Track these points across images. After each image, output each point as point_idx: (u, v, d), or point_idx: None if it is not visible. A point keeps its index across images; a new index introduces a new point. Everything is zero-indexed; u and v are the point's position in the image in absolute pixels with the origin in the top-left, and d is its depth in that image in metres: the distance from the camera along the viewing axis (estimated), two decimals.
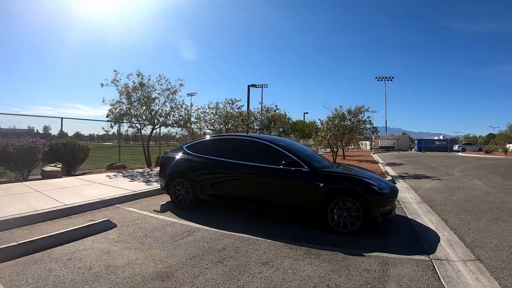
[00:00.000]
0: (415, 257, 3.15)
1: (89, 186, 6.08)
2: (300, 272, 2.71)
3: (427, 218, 4.81)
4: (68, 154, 8.53)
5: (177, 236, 3.63)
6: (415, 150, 40.08)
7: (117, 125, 10.97)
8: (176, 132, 15.48)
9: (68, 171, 8.56)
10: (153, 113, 11.11)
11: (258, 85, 50.51)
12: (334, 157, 12.63)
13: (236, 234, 3.72)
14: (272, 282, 2.52)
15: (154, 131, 12.17)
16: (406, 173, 11.60)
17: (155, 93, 11.13)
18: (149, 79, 10.97)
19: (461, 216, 4.93)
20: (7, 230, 3.45)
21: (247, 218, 4.44)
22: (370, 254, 3.19)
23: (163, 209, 4.84)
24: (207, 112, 14.63)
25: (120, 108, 10.67)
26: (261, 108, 15.84)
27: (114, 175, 8.15)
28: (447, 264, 3.00)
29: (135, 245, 3.28)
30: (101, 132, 12.64)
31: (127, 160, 13.41)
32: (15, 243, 2.92)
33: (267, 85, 52.41)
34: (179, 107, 11.70)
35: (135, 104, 10.77)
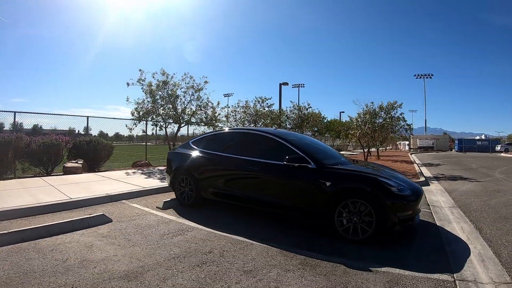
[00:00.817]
0: (435, 276, 2.62)
1: (103, 182, 6.33)
2: (283, 287, 2.36)
3: (458, 226, 4.20)
4: (91, 151, 9.09)
5: (168, 234, 3.52)
6: (456, 151, 37.38)
7: (142, 123, 11.48)
8: (203, 131, 15.87)
9: (92, 168, 9.12)
10: (178, 111, 11.43)
11: (294, 85, 50.10)
12: (366, 157, 11.84)
13: (230, 236, 3.50)
14: None
15: (181, 129, 12.54)
16: (442, 174, 10.64)
17: (180, 91, 11.44)
18: (171, 77, 11.28)
19: (498, 225, 4.22)
20: (8, 220, 3.64)
21: (249, 219, 4.20)
22: (379, 269, 2.72)
23: (166, 206, 4.81)
24: (237, 111, 14.77)
25: (146, 107, 11.13)
26: (293, 106, 15.64)
27: (133, 172, 8.46)
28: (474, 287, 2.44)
29: (121, 241, 3.23)
30: (139, 132, 13.32)
31: (154, 158, 13.98)
32: (5, 232, 3.03)
33: (303, 84, 51.81)
34: (205, 105, 11.88)
35: (159, 102, 11.16)
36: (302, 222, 3.90)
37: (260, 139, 4.52)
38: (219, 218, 4.25)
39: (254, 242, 3.31)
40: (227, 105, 13.96)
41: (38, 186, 5.43)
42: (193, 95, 11.55)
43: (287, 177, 3.87)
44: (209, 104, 11.93)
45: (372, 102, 12.12)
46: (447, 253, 3.14)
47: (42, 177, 6.42)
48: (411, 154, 26.97)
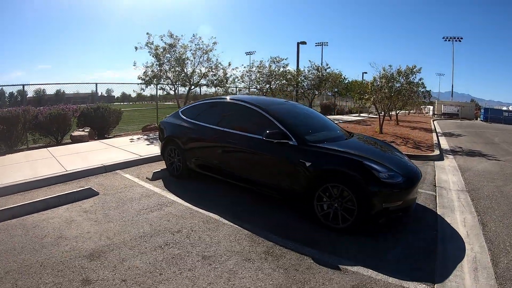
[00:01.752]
0: (411, 285, 2.37)
1: (104, 151, 6.70)
2: (235, 280, 2.36)
3: (461, 217, 3.85)
4: (99, 118, 9.49)
5: (145, 209, 3.75)
6: (481, 120, 34.61)
7: (150, 87, 11.66)
8: (215, 92, 15.84)
9: (102, 134, 9.63)
10: (188, 73, 11.41)
11: (317, 43, 47.89)
12: (381, 123, 11.30)
13: (206, 213, 3.65)
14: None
15: (193, 91, 12.66)
16: (461, 148, 9.82)
17: (189, 52, 11.32)
18: (178, 40, 11.07)
19: (507, 221, 3.74)
20: (6, 196, 4.05)
21: (237, 195, 4.26)
22: (350, 268, 2.56)
23: (155, 177, 5.05)
24: (252, 71, 14.53)
25: (153, 71, 11.19)
26: (311, 66, 15.04)
27: (138, 138, 8.82)
28: None
29: (99, 217, 3.51)
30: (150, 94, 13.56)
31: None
32: None
33: (326, 43, 49.14)
34: (215, 66, 11.78)
35: (166, 65, 11.14)
36: (287, 203, 3.90)
37: (240, 109, 4.38)
38: (205, 192, 4.40)
39: (228, 222, 3.41)
40: (249, 63, 13.60)
41: (41, 158, 5.88)
42: (202, 56, 11.42)
43: (266, 154, 3.77)
44: (219, 65, 11.83)
45: (390, 65, 11.16)
46: (437, 255, 2.86)
47: (48, 148, 6.93)
48: (433, 120, 25.31)
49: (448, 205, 4.30)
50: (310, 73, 15.17)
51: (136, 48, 10.93)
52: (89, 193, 4.16)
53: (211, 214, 3.61)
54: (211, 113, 4.78)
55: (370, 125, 13.52)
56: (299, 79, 14.94)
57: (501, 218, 3.82)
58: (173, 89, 11.98)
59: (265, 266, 2.57)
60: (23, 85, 8.42)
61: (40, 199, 3.79)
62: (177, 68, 11.30)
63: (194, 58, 11.41)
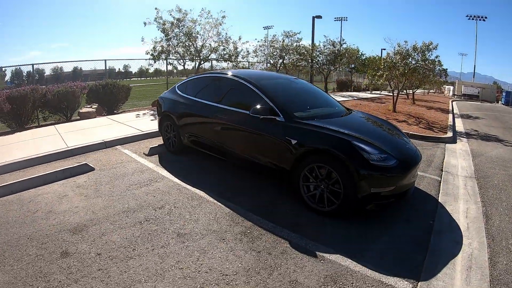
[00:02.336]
0: (391, 280, 2.20)
1: (108, 127, 6.90)
2: (203, 260, 2.37)
3: (464, 207, 3.57)
4: (107, 94, 9.69)
5: (135, 185, 3.86)
6: (502, 103, 31.96)
7: (159, 62, 11.74)
8: (227, 67, 15.69)
9: (111, 110, 9.90)
10: (198, 47, 11.37)
11: (336, 18, 46.15)
12: (394, 101, 10.70)
13: (193, 190, 3.70)
14: (156, 266, 2.30)
15: (203, 65, 12.68)
16: (476, 131, 9.11)
17: (199, 27, 11.26)
18: (187, 14, 10.93)
19: None
20: (8, 173, 4.33)
21: (227, 173, 4.26)
22: (328, 256, 2.45)
23: (151, 152, 5.16)
24: (265, 45, 14.35)
25: (161, 46, 11.22)
26: (326, 41, 14.61)
27: (144, 114, 8.98)
28: None
29: (89, 192, 3.68)
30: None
31: None
32: None
33: (346, 18, 46.86)
34: (224, 41, 11.71)
35: (174, 40, 11.09)
36: (277, 183, 3.83)
37: (231, 83, 4.25)
38: (197, 168, 4.45)
39: (212, 200, 3.43)
40: (239, 37, 13.23)
41: (47, 135, 6.17)
42: (211, 30, 11.33)
43: (254, 130, 3.66)
44: (229, 39, 11.74)
45: (405, 41, 10.35)
46: (428, 248, 2.64)
47: (56, 125, 7.25)
48: (452, 101, 23.82)
49: (452, 192, 4.02)
50: (325, 48, 14.82)
51: (145, 23, 10.97)
52: (85, 169, 4.34)
53: (197, 191, 3.65)
54: (203, 88, 4.70)
55: (384, 103, 12.90)
56: (314, 54, 14.59)
57: (508, 211, 3.46)
58: (182, 64, 12.01)
59: (238, 247, 2.56)
60: (32, 65, 8.68)
61: (38, 175, 4.01)
62: (186, 43, 11.26)
63: (204, 32, 11.33)
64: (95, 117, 8.37)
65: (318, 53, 15.07)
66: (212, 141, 4.30)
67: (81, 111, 8.48)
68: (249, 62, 14.28)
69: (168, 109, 5.10)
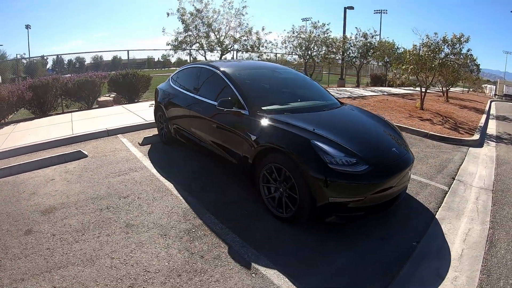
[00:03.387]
0: None
1: (119, 116, 7.48)
2: (135, 253, 2.52)
3: (465, 227, 3.13)
4: (127, 84, 10.41)
5: (115, 173, 4.22)
6: None
7: (180, 53, 12.31)
8: (249, 57, 15.85)
9: (132, 99, 10.63)
10: (220, 38, 11.74)
11: (376, 10, 45.88)
12: (422, 97, 9.92)
13: (164, 182, 3.92)
14: (93, 252, 2.54)
15: (225, 56, 13.05)
16: (509, 135, 8.04)
17: (221, 17, 11.59)
18: (207, 4, 11.26)
19: None
20: (15, 156, 4.99)
21: (203, 166, 4.39)
22: (263, 270, 2.32)
23: (144, 142, 5.54)
24: (295, 37, 14.34)
25: (182, 36, 11.75)
26: (358, 33, 14.24)
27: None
28: None
29: (73, 178, 4.12)
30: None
31: None
32: None
33: (386, 10, 45.74)
34: (248, 31, 11.97)
35: (193, 31, 11.53)
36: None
37: (207, 74, 4.34)
38: (178, 160, 4.69)
39: (176, 193, 3.60)
40: (262, 27, 13.26)
41: (61, 122, 6.90)
42: (232, 21, 11.61)
43: (222, 123, 3.70)
44: (251, 30, 11.97)
45: (435, 33, 9.59)
46: (396, 279, 2.28)
47: (73, 113, 8.05)
48: (492, 101, 21.24)
49: (457, 207, 3.58)
50: (357, 40, 14.39)
51: (168, 14, 11.49)
52: (78, 156, 4.84)
53: (167, 183, 3.88)
54: (188, 79, 4.88)
55: (414, 100, 12.02)
56: (345, 46, 14.22)
57: None
58: (203, 54, 12.40)
59: (175, 245, 2.63)
60: (57, 55, 9.63)
61: (35, 159, 4.58)
62: (205, 34, 11.63)
63: (227, 24, 11.61)
64: (112, 106, 9.08)
65: (349, 45, 14.66)
66: (189, 133, 4.49)
67: (99, 99, 9.26)
68: (276, 54, 14.35)
69: (160, 100, 5.41)
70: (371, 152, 2.90)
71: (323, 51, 13.98)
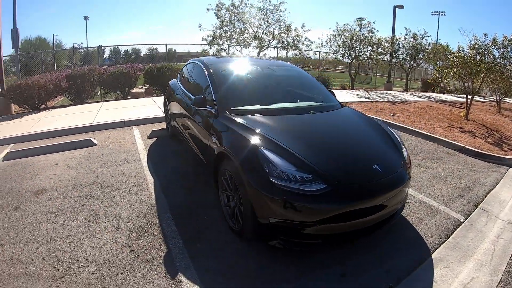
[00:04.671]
0: None
1: (143, 107, 8.16)
2: (85, 240, 2.79)
3: (467, 276, 2.58)
4: (161, 77, 11.22)
5: (110, 163, 4.66)
6: None
7: (216, 48, 12.89)
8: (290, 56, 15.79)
9: (164, 92, 11.45)
10: (258, 34, 12.07)
11: (434, 12, 43.58)
12: (468, 106, 8.78)
13: (147, 175, 4.19)
14: (52, 234, 2.90)
15: (264, 53, 13.38)
16: None
17: (259, 13, 11.91)
18: (242, 0, 11.60)
19: None
20: (38, 140, 5.81)
21: (194, 165, 4.51)
22: (186, 283, 2.32)
23: (152, 135, 5.99)
24: (339, 35, 14.10)
25: (217, 32, 12.32)
26: (407, 34, 13.63)
27: None
28: None
29: (74, 164, 4.67)
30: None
31: None
32: (16, 150, 5.06)
33: (444, 12, 43.06)
34: (286, 28, 12.09)
35: (227, 26, 12.00)
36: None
37: (198, 70, 4.42)
38: (173, 155, 4.94)
39: (151, 190, 3.79)
40: (302, 24, 13.11)
41: (89, 111, 7.78)
42: (268, 17, 11.77)
43: (198, 122, 3.81)
44: (291, 26, 12.03)
45: (485, 34, 8.40)
46: None
47: (104, 102, 9.00)
48: None
49: (467, 246, 2.97)
50: (406, 41, 13.50)
51: (207, 9, 12.11)
52: (87, 144, 5.44)
53: (149, 178, 4.14)
54: (185, 75, 5.08)
55: (460, 109, 10.69)
56: (393, 47, 13.44)
57: None
58: (240, 50, 12.80)
59: (121, 240, 2.81)
60: (100, 46, 10.83)
61: (48, 144, 5.29)
62: (249, 30, 12.00)
63: (265, 20, 11.79)
64: (143, 97, 9.91)
65: (397, 46, 13.87)
66: (179, 129, 4.77)
67: (132, 91, 10.17)
68: (319, 52, 14.16)
69: (166, 94, 5.85)
70: (339, 168, 2.55)
71: (368, 51, 13.48)
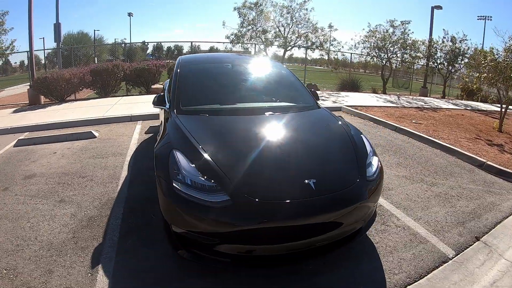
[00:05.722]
0: None
1: None
2: (44, 223, 3.24)
3: None
4: None
5: (98, 155, 5.22)
6: None
7: (234, 46, 13.32)
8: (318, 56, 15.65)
9: None
10: (284, 34, 12.29)
11: (480, 16, 41.03)
12: (502, 116, 7.95)
13: (124, 171, 4.60)
14: (16, 213, 3.48)
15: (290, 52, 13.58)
16: None
17: (283, 11, 12.10)
18: None
19: None
20: (51, 129, 6.64)
21: None
22: (100, 275, 2.54)
23: (149, 130, 6.52)
24: (370, 36, 13.87)
25: (239, 30, 12.74)
26: (444, 36, 12.85)
27: None
28: None
29: (69, 154, 5.32)
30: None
31: None
32: (26, 138, 5.89)
33: (491, 17, 40.92)
34: (311, 27, 12.15)
35: (246, 25, 12.35)
36: None
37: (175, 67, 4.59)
38: None
39: (120, 183, 4.16)
40: (329, 24, 12.89)
41: (105, 104, 8.61)
42: (292, 16, 11.87)
43: (162, 120, 4.13)
44: (317, 25, 12.03)
45: None
46: None
47: (124, 96, 9.86)
48: None
49: None
50: (443, 44, 12.73)
51: (234, 8, 12.58)
52: (88, 136, 6.11)
53: (124, 173, 4.53)
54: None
55: (497, 119, 9.69)
56: (430, 50, 12.81)
57: None
58: (263, 49, 13.06)
59: (70, 226, 3.20)
60: (143, 42, 11.83)
61: (55, 134, 6.05)
62: (261, 28, 12.21)
63: (290, 18, 11.89)
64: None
65: (435, 49, 13.16)
66: (159, 126, 5.14)
67: (153, 86, 10.96)
68: (351, 54, 13.91)
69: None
70: (254, 180, 2.38)
71: (401, 53, 13.02)
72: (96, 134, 6.24)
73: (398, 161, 5.31)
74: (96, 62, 16.99)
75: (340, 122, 3.44)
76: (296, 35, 12.28)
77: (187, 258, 2.38)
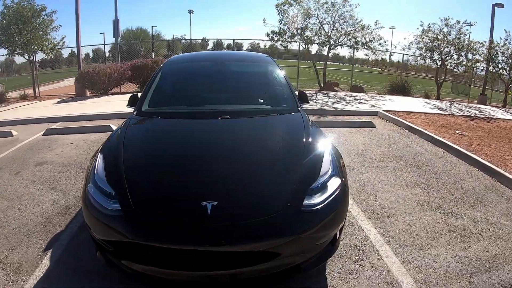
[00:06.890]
0: None
1: None
2: (28, 207, 4.00)
3: None
4: None
5: None
6: None
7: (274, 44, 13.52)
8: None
9: None
10: (326, 31, 12.25)
11: None
12: None
13: None
14: (12, 194, 4.25)
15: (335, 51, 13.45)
16: None
17: (325, 7, 12.07)
18: None
19: None
20: (77, 121, 7.64)
21: None
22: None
23: None
24: (424, 36, 13.20)
25: (279, 27, 12.94)
26: (506, 37, 11.52)
27: None
28: None
29: (81, 145, 6.12)
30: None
31: (304, 79, 15.79)
32: (53, 128, 6.90)
33: None
34: (360, 26, 11.92)
35: (284, 23, 12.48)
36: None
37: None
38: None
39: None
40: (377, 22, 12.26)
41: (114, 101, 9.52)
42: (336, 12, 11.70)
43: None
44: (362, 22, 11.72)
45: None
46: None
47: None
48: None
49: None
50: (505, 47, 11.40)
51: (277, 5, 12.84)
52: (105, 129, 6.87)
53: None
54: None
55: None
56: (491, 53, 11.62)
57: None
58: (305, 47, 13.04)
59: (48, 211, 3.77)
60: (204, 38, 12.76)
61: (74, 126, 6.97)
62: (301, 25, 12.20)
63: (332, 15, 11.73)
64: None
65: (495, 52, 11.99)
66: None
67: None
68: (387, 51, 13.17)
69: None
70: (152, 191, 2.36)
71: (456, 56, 11.90)
72: (113, 127, 7.02)
73: (418, 179, 4.61)
74: (153, 57, 18.49)
75: (305, 132, 2.97)
76: (340, 33, 12.01)
77: (103, 262, 2.35)
